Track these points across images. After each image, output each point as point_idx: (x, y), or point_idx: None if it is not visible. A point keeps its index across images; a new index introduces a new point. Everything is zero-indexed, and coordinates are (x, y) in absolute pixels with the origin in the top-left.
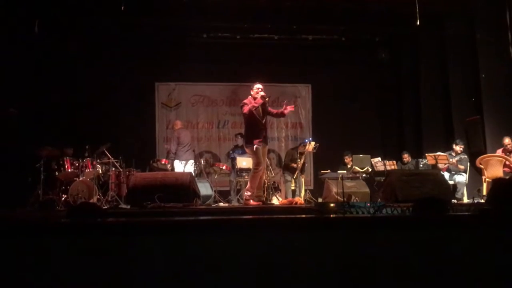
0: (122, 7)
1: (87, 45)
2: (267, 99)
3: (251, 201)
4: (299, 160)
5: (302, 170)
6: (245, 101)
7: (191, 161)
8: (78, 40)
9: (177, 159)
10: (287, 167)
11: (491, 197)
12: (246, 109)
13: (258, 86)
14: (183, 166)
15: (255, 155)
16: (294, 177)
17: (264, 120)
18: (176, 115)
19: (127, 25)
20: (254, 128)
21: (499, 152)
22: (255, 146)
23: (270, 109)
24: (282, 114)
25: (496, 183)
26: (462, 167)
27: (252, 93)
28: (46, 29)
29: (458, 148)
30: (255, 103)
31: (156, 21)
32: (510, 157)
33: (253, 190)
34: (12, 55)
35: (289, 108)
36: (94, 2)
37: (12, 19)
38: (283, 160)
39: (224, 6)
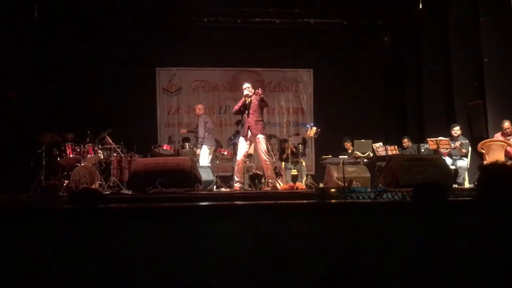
0: None
1: (87, 30)
2: (249, 98)
3: (235, 185)
4: (286, 149)
5: (302, 154)
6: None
7: (214, 147)
8: (78, 25)
9: (206, 144)
10: (282, 160)
11: (479, 182)
12: (233, 110)
13: (244, 85)
14: (210, 152)
15: (238, 147)
16: (289, 162)
17: (249, 114)
18: (177, 100)
19: (128, 9)
20: (241, 123)
21: (498, 136)
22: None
23: (262, 100)
24: (261, 101)
25: (485, 168)
26: (464, 150)
27: None
28: (46, 13)
29: (453, 132)
30: (240, 102)
31: (157, 5)
32: (510, 141)
33: (238, 178)
34: (12, 40)
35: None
36: None
37: (11, 3)
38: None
39: None
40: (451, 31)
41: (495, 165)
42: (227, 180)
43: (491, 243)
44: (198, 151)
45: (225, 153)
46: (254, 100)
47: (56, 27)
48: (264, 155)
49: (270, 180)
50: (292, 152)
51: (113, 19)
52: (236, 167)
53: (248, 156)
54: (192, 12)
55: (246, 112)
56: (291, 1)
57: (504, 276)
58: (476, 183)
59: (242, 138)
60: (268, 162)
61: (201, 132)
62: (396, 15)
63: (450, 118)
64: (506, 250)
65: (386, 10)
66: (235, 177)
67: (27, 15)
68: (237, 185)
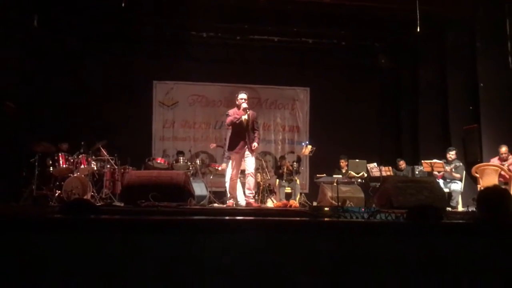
0: (123, 4)
1: (86, 41)
2: (248, 112)
3: (228, 202)
4: (283, 166)
5: (297, 172)
6: (229, 111)
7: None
8: (77, 36)
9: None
10: (278, 175)
11: (483, 206)
12: (228, 120)
13: (242, 96)
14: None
15: (232, 162)
16: (284, 180)
17: (247, 130)
18: (173, 114)
19: (126, 22)
20: (234, 138)
21: (494, 160)
22: (231, 154)
23: (255, 125)
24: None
25: (484, 192)
26: (457, 175)
27: (237, 102)
28: (45, 24)
29: (449, 155)
30: (237, 114)
31: (156, 19)
32: (505, 166)
33: (232, 194)
34: (10, 49)
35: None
36: None
37: (11, 13)
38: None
39: (224, 6)
40: (448, 55)
41: (494, 189)
42: (220, 195)
43: (484, 267)
44: (223, 165)
45: (219, 168)
46: (252, 117)
47: (55, 37)
48: (254, 166)
49: (250, 194)
50: (288, 170)
51: (112, 31)
52: (230, 182)
53: (242, 172)
54: (191, 27)
55: (245, 127)
56: (290, 20)
57: None
58: (475, 205)
59: (236, 154)
60: (253, 175)
61: None
62: (394, 38)
63: (445, 141)
64: (499, 275)
65: (384, 33)
66: (228, 193)
67: (27, 25)
68: (230, 201)
